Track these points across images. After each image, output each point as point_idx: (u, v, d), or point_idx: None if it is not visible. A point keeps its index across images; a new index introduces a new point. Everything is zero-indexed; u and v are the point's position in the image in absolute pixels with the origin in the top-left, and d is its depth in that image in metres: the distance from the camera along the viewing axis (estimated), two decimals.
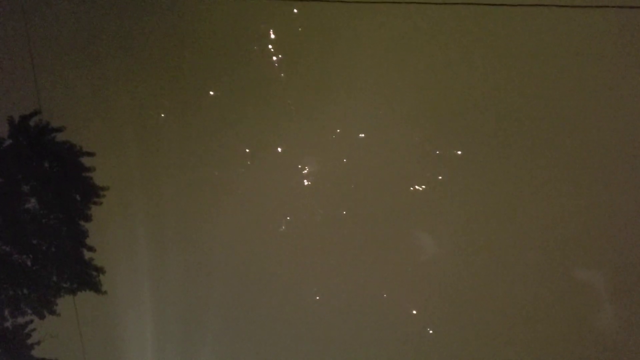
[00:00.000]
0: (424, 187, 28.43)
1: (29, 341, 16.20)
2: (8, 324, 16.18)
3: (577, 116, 28.21)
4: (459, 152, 28.40)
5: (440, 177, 28.51)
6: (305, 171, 28.32)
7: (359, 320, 29.06)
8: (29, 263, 16.58)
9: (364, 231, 29.00)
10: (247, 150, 27.52)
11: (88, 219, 17.30)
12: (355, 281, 29.02)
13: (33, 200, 16.85)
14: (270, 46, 26.34)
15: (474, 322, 28.95)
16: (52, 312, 16.53)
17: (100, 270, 17.27)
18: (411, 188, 28.38)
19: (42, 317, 16.39)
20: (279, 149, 27.91)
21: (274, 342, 28.44)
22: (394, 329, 28.92)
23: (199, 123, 27.11)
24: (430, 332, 29.07)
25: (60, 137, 17.30)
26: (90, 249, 17.28)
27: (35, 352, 16.20)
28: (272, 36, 26.20)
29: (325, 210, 28.91)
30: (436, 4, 23.25)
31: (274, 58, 26.53)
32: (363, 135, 28.12)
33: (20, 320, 16.36)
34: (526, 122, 28.44)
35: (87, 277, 17.07)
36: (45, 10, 25.05)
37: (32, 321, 16.37)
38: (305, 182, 28.29)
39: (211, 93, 27.09)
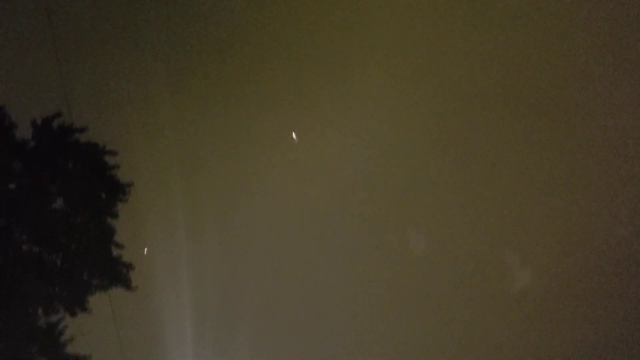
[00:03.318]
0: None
1: (62, 339, 16.48)
2: (42, 322, 16.50)
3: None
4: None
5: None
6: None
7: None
8: (59, 262, 16.88)
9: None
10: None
11: (115, 215, 17.54)
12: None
13: (59, 200, 17.14)
14: None
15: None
16: (84, 310, 16.81)
17: (129, 266, 17.50)
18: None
19: (73, 314, 16.67)
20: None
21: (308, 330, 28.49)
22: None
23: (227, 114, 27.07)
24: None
25: (83, 137, 17.66)
26: (118, 245, 17.52)
27: (68, 349, 16.48)
28: None
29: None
30: None
31: None
32: None
33: (54, 318, 16.64)
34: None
35: (116, 274, 17.30)
36: (69, 9, 25.21)
37: (63, 318, 16.64)
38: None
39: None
